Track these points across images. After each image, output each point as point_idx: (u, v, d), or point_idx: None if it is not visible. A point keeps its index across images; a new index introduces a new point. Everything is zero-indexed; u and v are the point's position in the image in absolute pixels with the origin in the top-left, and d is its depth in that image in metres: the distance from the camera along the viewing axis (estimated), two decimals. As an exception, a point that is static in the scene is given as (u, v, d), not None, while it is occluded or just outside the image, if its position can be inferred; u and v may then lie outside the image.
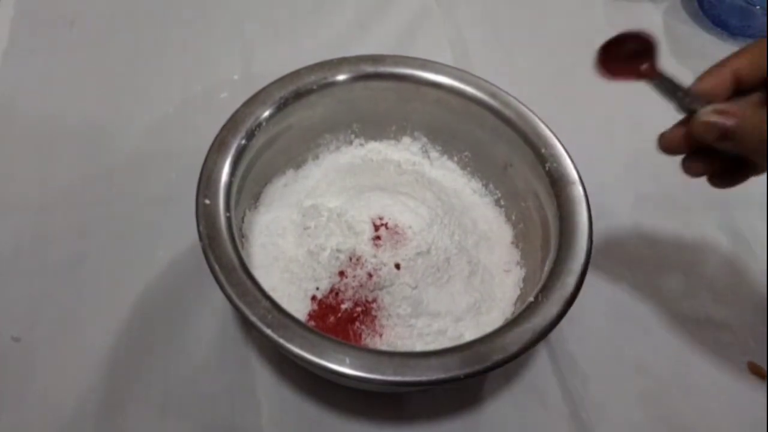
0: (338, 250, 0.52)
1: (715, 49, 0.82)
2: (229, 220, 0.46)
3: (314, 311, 0.50)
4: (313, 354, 0.41)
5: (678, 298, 0.60)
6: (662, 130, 0.72)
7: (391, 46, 0.76)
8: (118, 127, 0.66)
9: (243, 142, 0.50)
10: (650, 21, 0.84)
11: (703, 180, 0.68)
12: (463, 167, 0.60)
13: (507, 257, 0.56)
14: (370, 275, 0.51)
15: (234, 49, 0.74)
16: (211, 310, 0.55)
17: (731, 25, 0.81)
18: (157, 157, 0.64)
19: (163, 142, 0.65)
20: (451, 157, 0.61)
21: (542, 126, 0.53)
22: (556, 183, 0.51)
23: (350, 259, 0.52)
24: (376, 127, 0.60)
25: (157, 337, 0.53)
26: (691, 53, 0.81)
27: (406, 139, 0.61)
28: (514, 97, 0.55)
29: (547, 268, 0.48)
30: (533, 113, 0.54)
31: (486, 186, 0.59)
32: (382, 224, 0.53)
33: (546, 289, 0.45)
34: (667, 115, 0.73)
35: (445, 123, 0.58)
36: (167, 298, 0.56)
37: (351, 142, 0.61)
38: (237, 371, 0.52)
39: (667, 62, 0.78)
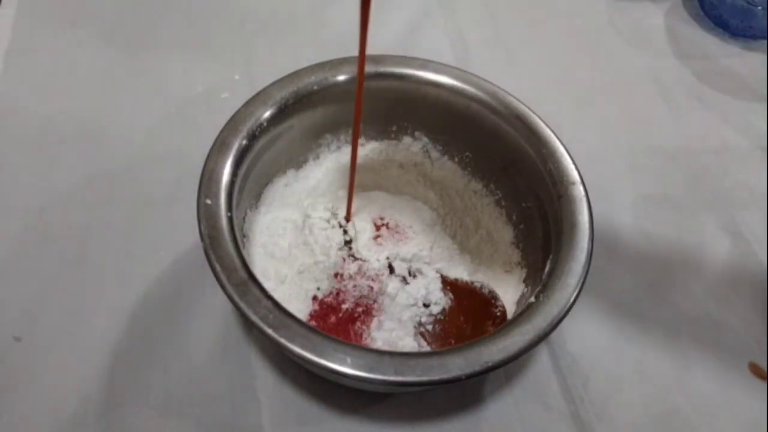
0: (339, 250, 0.52)
1: (717, 49, 0.82)
2: (230, 220, 0.46)
3: (315, 311, 0.51)
4: (315, 354, 0.40)
5: (678, 299, 0.60)
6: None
7: (393, 46, 0.76)
8: (119, 128, 0.66)
9: (244, 142, 0.50)
10: (651, 21, 0.84)
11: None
12: (464, 167, 0.60)
13: (508, 257, 0.56)
14: (371, 275, 0.51)
15: (235, 50, 0.74)
16: (212, 310, 0.55)
17: (732, 25, 0.81)
18: (158, 157, 0.64)
19: (164, 143, 0.65)
20: (452, 158, 0.60)
21: (543, 126, 0.53)
22: (557, 183, 0.51)
23: (351, 258, 0.52)
24: (376, 127, 0.60)
25: (158, 337, 0.53)
26: (693, 53, 0.81)
27: (407, 139, 0.60)
28: (515, 97, 0.55)
29: (548, 269, 0.47)
30: (534, 113, 0.54)
31: (487, 186, 0.59)
32: (383, 224, 0.53)
33: (547, 290, 0.45)
34: (668, 115, 0.74)
35: (446, 123, 0.58)
36: (168, 298, 0.55)
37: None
38: (237, 371, 0.52)
39: (669, 63, 0.79)
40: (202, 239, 0.44)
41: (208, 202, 0.46)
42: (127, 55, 0.72)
